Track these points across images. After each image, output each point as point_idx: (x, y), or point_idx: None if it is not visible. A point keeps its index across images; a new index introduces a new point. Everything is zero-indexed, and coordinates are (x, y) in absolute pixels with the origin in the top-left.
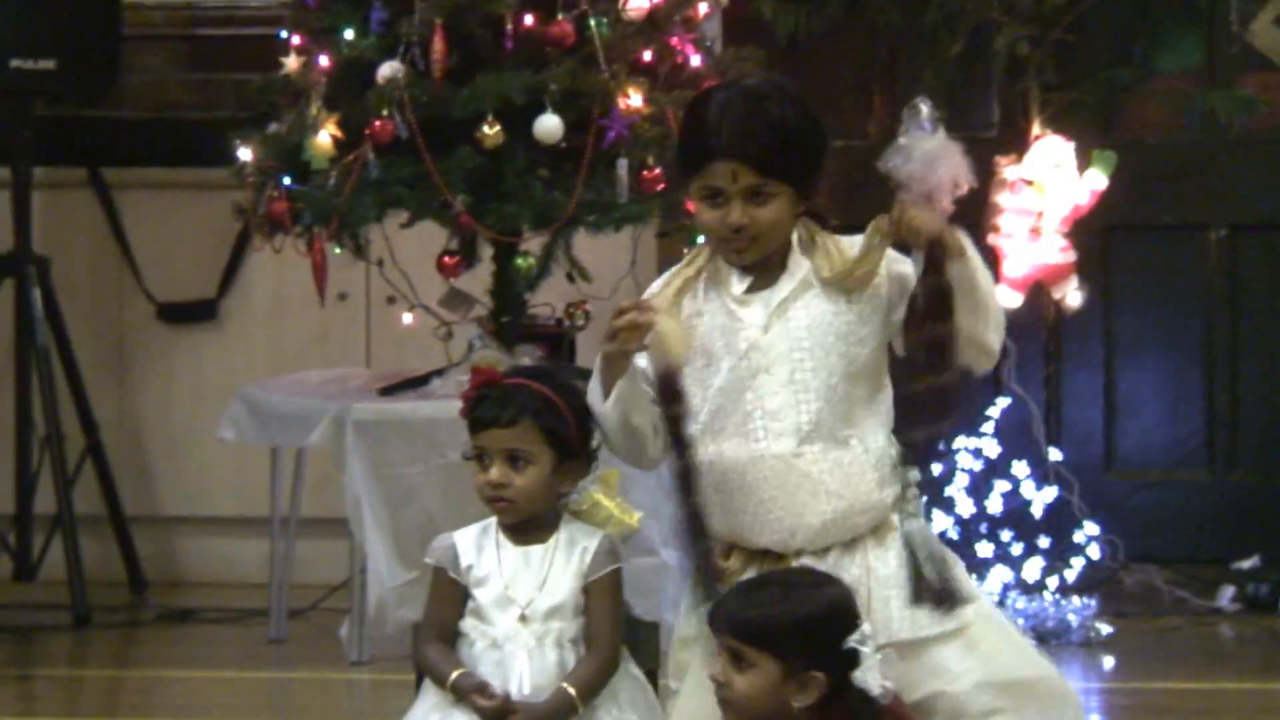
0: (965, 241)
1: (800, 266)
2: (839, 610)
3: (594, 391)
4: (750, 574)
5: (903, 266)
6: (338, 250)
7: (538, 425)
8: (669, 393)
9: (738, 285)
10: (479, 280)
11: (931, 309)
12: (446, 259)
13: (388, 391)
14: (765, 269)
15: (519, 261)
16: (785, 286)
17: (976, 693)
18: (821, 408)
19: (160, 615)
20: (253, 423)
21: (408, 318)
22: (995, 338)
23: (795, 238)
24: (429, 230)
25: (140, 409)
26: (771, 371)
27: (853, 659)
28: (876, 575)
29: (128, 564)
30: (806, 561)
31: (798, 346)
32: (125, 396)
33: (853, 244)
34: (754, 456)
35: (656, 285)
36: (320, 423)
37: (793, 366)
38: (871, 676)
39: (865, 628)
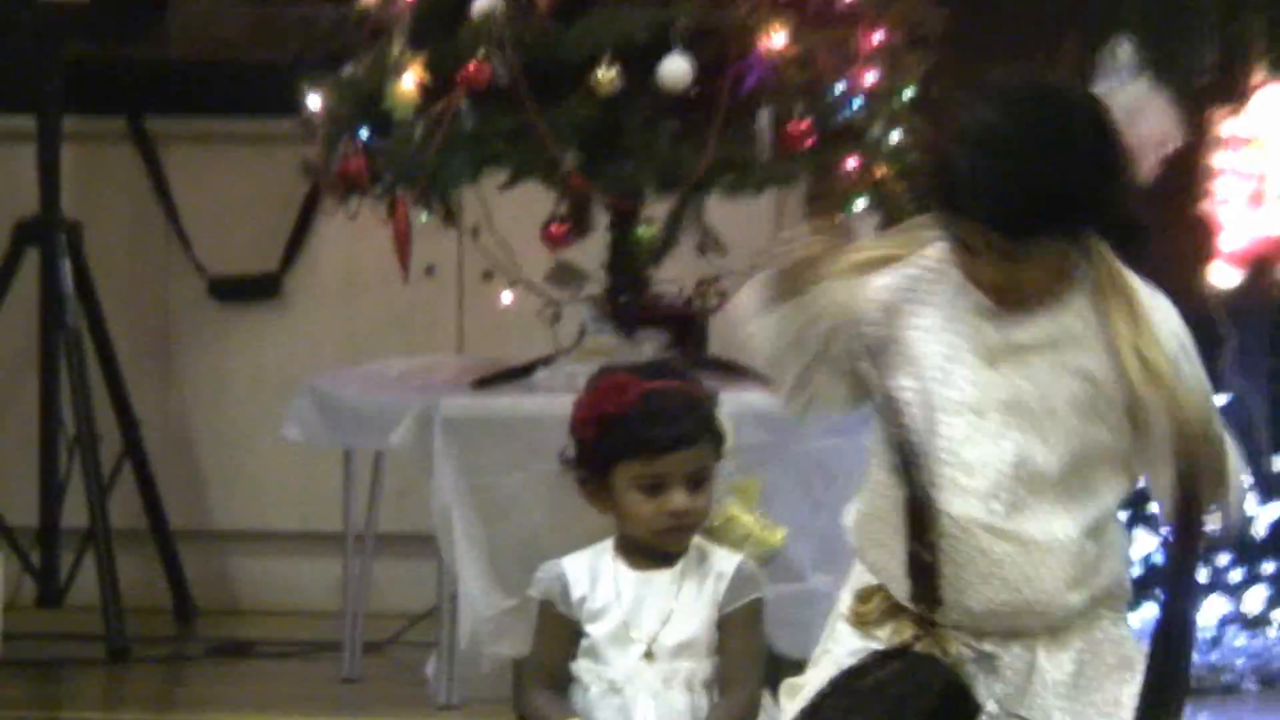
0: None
1: (1071, 309)
2: (954, 703)
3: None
4: (887, 632)
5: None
6: (424, 217)
7: (711, 440)
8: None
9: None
10: (592, 253)
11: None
12: (554, 227)
13: (483, 384)
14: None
15: (640, 230)
16: (1038, 328)
17: None
18: (1025, 480)
19: (211, 648)
20: (322, 421)
21: (507, 296)
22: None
23: (1085, 272)
24: (533, 193)
25: (188, 404)
26: (983, 417)
27: None
28: (1044, 678)
29: (173, 587)
30: (959, 637)
31: (1021, 402)
32: (171, 389)
33: (1154, 301)
34: (937, 510)
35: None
36: (402, 421)
37: (1006, 420)
38: None
39: (991, 707)
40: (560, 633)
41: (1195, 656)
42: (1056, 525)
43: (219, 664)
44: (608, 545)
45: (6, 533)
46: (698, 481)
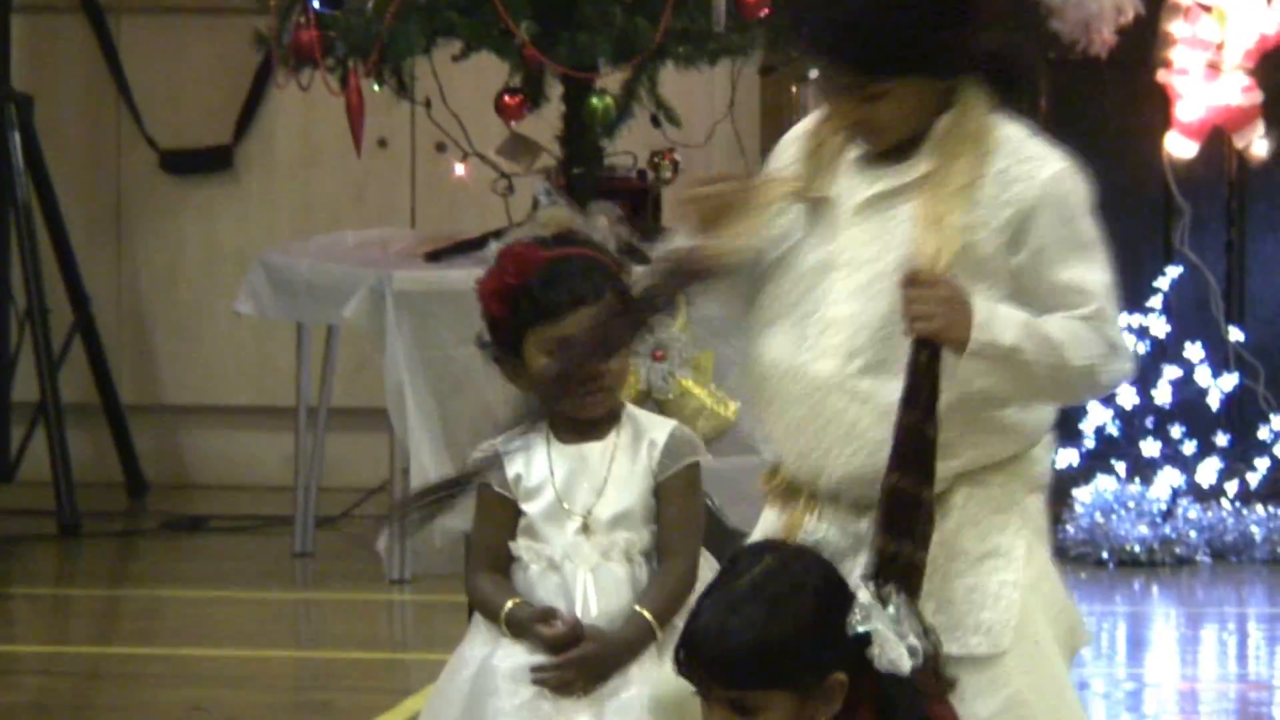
0: (979, 346)
1: (927, 158)
2: (830, 596)
3: None
4: (779, 511)
5: (1023, 189)
6: (377, 88)
7: (620, 297)
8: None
9: (859, 149)
10: (546, 125)
11: (910, 391)
12: (507, 99)
13: (436, 257)
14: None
15: (594, 102)
16: (898, 176)
17: None
18: (891, 338)
19: (164, 524)
20: (275, 295)
21: (460, 169)
22: (1067, 396)
23: (948, 121)
24: (486, 65)
25: (140, 278)
26: (851, 274)
27: (864, 638)
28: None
29: (124, 462)
30: (842, 516)
31: (886, 253)
32: (123, 264)
33: (1014, 151)
34: (793, 369)
35: (792, 135)
36: (355, 294)
37: (874, 276)
38: (891, 652)
39: (863, 597)
40: (498, 513)
41: (1146, 530)
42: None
43: (171, 539)
44: (541, 423)
45: None
46: None
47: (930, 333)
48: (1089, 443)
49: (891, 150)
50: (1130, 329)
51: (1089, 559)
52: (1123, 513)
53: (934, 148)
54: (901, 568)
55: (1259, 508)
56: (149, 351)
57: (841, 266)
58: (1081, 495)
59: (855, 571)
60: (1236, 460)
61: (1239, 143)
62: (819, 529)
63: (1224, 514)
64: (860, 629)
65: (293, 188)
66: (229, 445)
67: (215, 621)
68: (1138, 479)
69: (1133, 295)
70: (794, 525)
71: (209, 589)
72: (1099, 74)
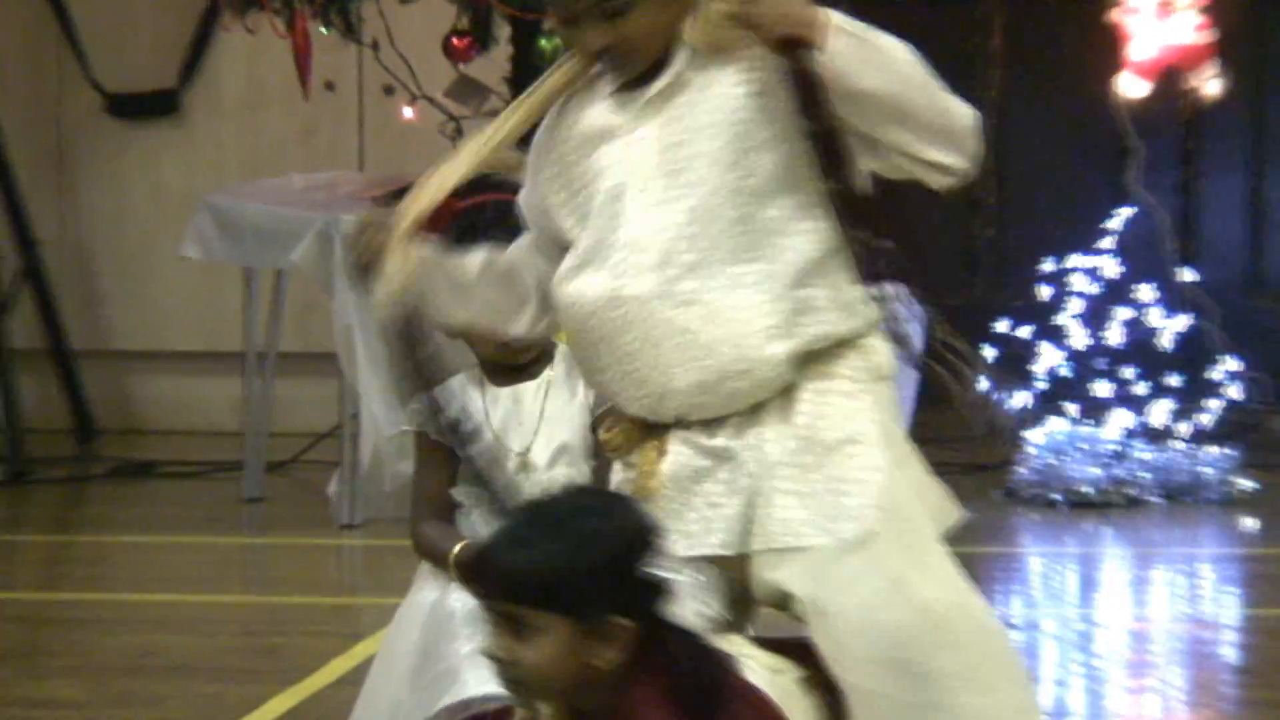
0: (836, 26)
1: (681, 58)
2: (631, 536)
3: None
4: (637, 458)
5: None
6: (324, 30)
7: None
8: (410, 338)
9: (608, 85)
10: (495, 66)
11: (802, 104)
12: (455, 41)
13: (385, 200)
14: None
15: (543, 43)
16: (659, 82)
17: (866, 629)
18: (700, 235)
19: (113, 470)
20: (222, 238)
21: (408, 111)
22: (939, 150)
23: (690, 23)
24: (433, 6)
25: (87, 223)
26: (643, 189)
27: (660, 591)
28: (765, 459)
29: (73, 408)
30: (695, 437)
31: (674, 156)
32: (68, 208)
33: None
34: (612, 298)
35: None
36: (304, 238)
37: (666, 182)
38: (676, 607)
39: (660, 548)
40: (438, 460)
41: (1098, 471)
42: (743, 276)
43: (120, 484)
44: (476, 369)
45: None
46: None
47: (790, 28)
48: (1041, 384)
49: (643, 74)
50: (1081, 270)
51: (1041, 500)
52: (1075, 454)
53: (684, 51)
54: (870, 250)
55: (1211, 448)
56: (96, 296)
57: (632, 189)
58: (1034, 437)
59: (719, 488)
60: (1189, 401)
61: (1192, 81)
62: (678, 452)
63: (1176, 455)
64: (651, 575)
65: (239, 131)
66: (178, 390)
67: (165, 567)
68: (1090, 420)
69: (1084, 236)
70: (646, 472)
71: (158, 534)
72: (1052, 12)
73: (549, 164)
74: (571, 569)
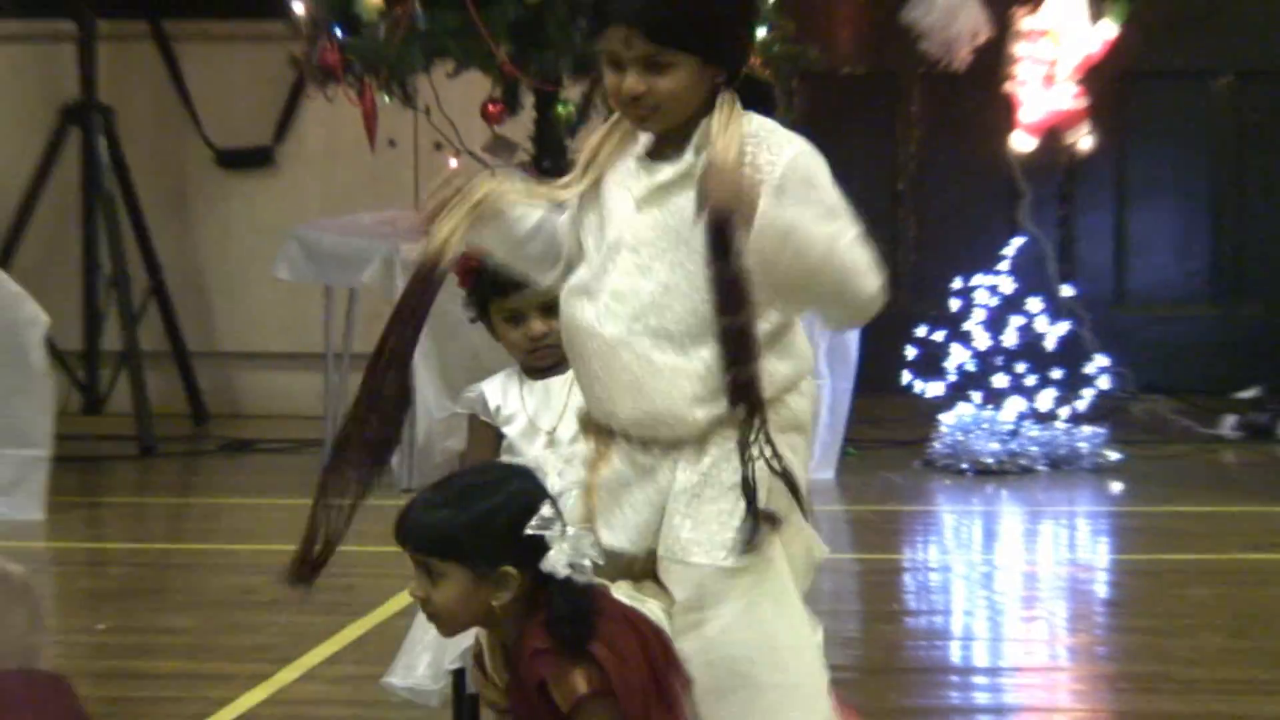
0: (765, 218)
1: (692, 150)
2: (519, 503)
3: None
4: (594, 444)
5: (771, 169)
6: (387, 99)
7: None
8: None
9: (641, 146)
10: (521, 127)
11: (713, 255)
12: (490, 106)
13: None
14: (673, 141)
15: (559, 108)
16: (673, 169)
17: (722, 642)
18: (665, 309)
19: (221, 445)
20: (307, 263)
21: (453, 163)
22: (839, 320)
23: (715, 118)
24: (474, 79)
25: (200, 250)
26: (635, 252)
27: (543, 546)
28: (675, 485)
29: (190, 397)
30: (630, 450)
31: (665, 237)
32: (186, 239)
33: (762, 139)
34: (592, 330)
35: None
36: (371, 262)
37: (653, 254)
38: (558, 560)
39: (545, 511)
40: (485, 438)
41: (997, 446)
42: (687, 352)
43: (227, 458)
44: (515, 368)
45: (57, 355)
46: (550, 309)
47: (723, 204)
48: (952, 377)
49: (667, 149)
50: (984, 287)
51: (952, 469)
52: (979, 432)
53: (700, 142)
54: (746, 386)
55: (1086, 427)
56: (208, 308)
57: (627, 247)
58: (946, 419)
59: (639, 498)
60: (1068, 390)
61: (1069, 139)
62: (615, 461)
63: (1058, 432)
64: (533, 533)
65: (320, 178)
66: (272, 383)
67: (262, 522)
68: (990, 405)
69: (985, 260)
70: (599, 456)
71: (257, 497)
72: (959, 85)
73: (594, 184)
74: (466, 527)
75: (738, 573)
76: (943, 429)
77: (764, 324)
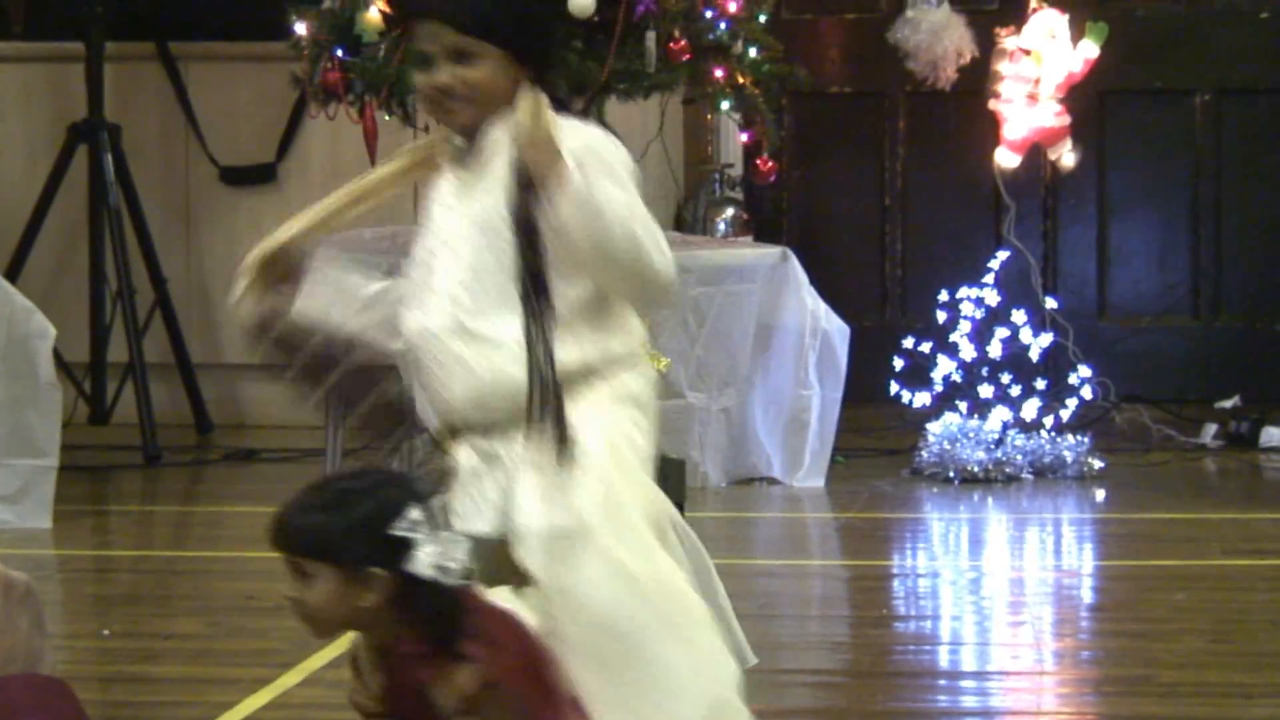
0: (571, 186)
1: (491, 142)
2: (387, 505)
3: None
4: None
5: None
6: (387, 117)
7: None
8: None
9: (456, 146)
10: None
11: (519, 204)
12: None
13: None
14: (479, 141)
15: None
16: (472, 169)
17: (588, 602)
18: (478, 288)
19: (225, 455)
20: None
21: None
22: (631, 299)
23: (519, 104)
24: None
25: (205, 264)
26: (448, 245)
27: (411, 547)
28: (517, 460)
29: (194, 408)
30: (477, 442)
31: (475, 224)
32: (191, 253)
33: (568, 129)
34: (422, 330)
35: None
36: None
37: (465, 242)
38: (423, 561)
39: (413, 514)
40: None
41: (983, 454)
42: (506, 325)
43: (231, 467)
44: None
45: (64, 366)
46: None
47: (535, 168)
48: (939, 387)
49: (470, 153)
50: (970, 299)
51: (939, 477)
52: (965, 441)
53: (498, 138)
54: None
55: (1070, 436)
56: (212, 321)
57: (442, 244)
58: (933, 428)
59: (489, 483)
60: (1052, 400)
61: (1052, 155)
62: (464, 456)
63: (1043, 441)
64: (399, 533)
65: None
66: (274, 394)
67: (265, 530)
68: (976, 415)
69: (971, 273)
70: (452, 471)
71: (261, 505)
72: (944, 103)
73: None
74: (333, 528)
75: (589, 534)
76: (930, 438)
77: (578, 290)
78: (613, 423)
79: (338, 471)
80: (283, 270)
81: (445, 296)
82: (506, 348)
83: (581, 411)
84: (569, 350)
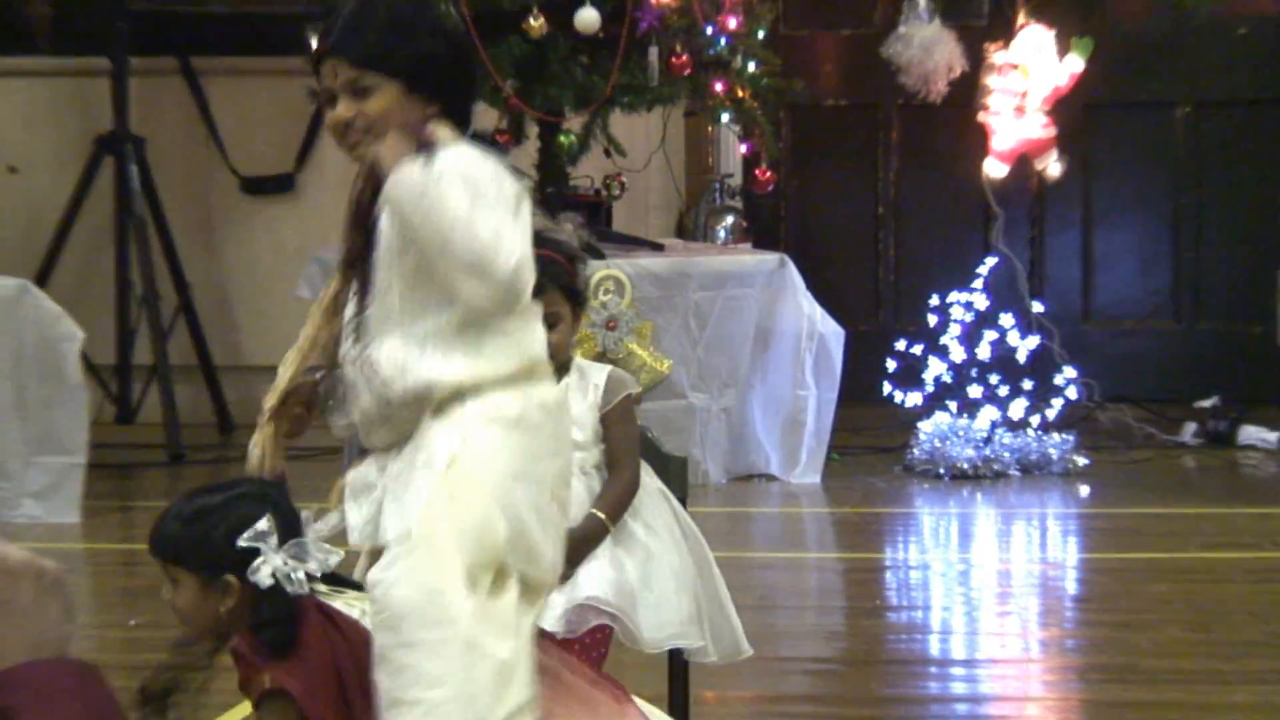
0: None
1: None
2: (238, 516)
3: None
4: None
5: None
6: None
7: (558, 287)
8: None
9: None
10: (526, 155)
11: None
12: (497, 136)
13: None
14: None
15: (561, 138)
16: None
17: (385, 605)
18: (376, 316)
19: (245, 453)
20: (326, 282)
21: None
22: (465, 280)
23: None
24: (481, 111)
25: (226, 270)
26: (368, 269)
27: (253, 557)
28: (389, 475)
29: (216, 408)
30: (379, 458)
31: (371, 254)
32: (213, 260)
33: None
34: (347, 357)
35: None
36: None
37: (363, 274)
38: (263, 571)
39: (261, 525)
40: None
41: (972, 452)
42: (387, 346)
43: None
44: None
45: (92, 368)
46: (549, 323)
47: (379, 164)
48: (930, 388)
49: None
50: (959, 303)
51: (930, 474)
52: (955, 439)
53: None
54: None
55: (1055, 435)
56: (233, 324)
57: (340, 274)
58: (925, 427)
59: (373, 495)
60: (1039, 400)
61: (1039, 165)
62: (363, 466)
63: (1029, 439)
64: (246, 544)
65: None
66: None
67: None
68: (966, 414)
69: (960, 278)
70: (342, 481)
71: None
72: (935, 115)
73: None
74: (190, 537)
75: (405, 541)
76: (921, 436)
77: (449, 314)
78: (468, 441)
79: (207, 484)
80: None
81: (347, 321)
82: (381, 364)
83: (438, 430)
84: (439, 369)
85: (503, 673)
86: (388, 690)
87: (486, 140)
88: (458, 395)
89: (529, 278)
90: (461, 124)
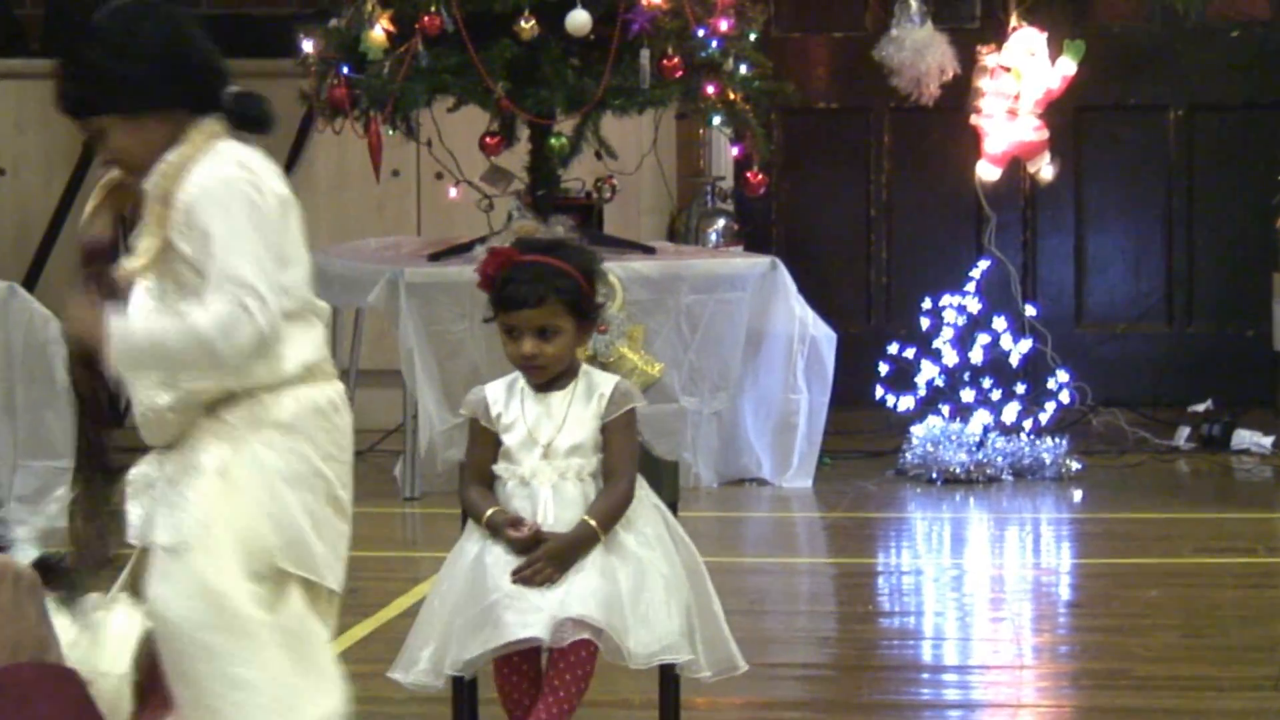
0: (113, 341)
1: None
2: None
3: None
4: None
5: (184, 246)
6: (391, 131)
7: (562, 300)
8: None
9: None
10: (517, 158)
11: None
12: (488, 139)
13: (436, 257)
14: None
15: (553, 141)
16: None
17: (161, 616)
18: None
19: None
20: (317, 285)
21: (454, 192)
22: (202, 377)
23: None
24: (473, 113)
25: None
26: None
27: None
28: (162, 475)
29: None
30: (160, 458)
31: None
32: None
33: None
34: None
35: None
36: (377, 284)
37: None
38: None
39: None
40: (484, 441)
41: (965, 456)
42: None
43: None
44: (519, 375)
45: None
46: (544, 333)
47: (84, 339)
48: (922, 392)
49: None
50: (952, 307)
51: (922, 478)
52: (947, 443)
53: (157, 174)
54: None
55: (1048, 439)
56: None
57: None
58: (917, 431)
59: (151, 494)
60: (1031, 403)
61: (1031, 168)
62: (144, 462)
63: (1022, 444)
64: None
65: (329, 206)
66: None
67: None
68: (958, 418)
69: (953, 281)
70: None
71: None
72: (927, 118)
73: None
74: None
75: (184, 552)
76: (913, 440)
77: None
78: (239, 445)
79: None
80: (125, 202)
81: None
82: (154, 382)
83: (210, 433)
84: (197, 379)
85: (309, 678)
86: (194, 699)
87: (251, 100)
88: (228, 397)
89: (277, 311)
90: (216, 107)
